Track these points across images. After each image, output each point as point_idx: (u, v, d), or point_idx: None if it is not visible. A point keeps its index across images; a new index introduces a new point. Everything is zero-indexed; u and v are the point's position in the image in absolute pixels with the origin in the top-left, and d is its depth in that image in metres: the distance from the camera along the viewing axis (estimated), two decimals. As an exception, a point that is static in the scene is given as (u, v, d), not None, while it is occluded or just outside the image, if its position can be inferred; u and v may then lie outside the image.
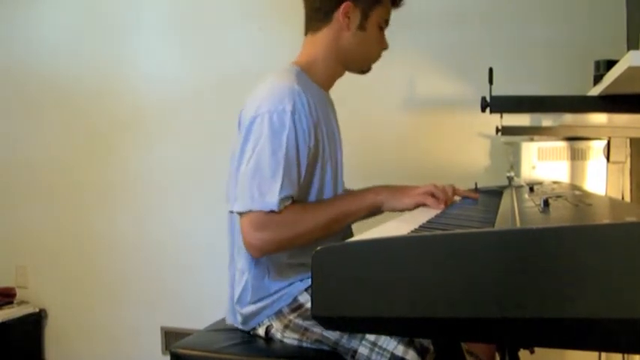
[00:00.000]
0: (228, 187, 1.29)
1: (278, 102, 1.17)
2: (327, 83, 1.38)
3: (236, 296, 1.30)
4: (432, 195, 1.27)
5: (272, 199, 1.13)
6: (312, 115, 1.22)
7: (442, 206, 1.24)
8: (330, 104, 1.40)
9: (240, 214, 1.17)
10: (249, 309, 1.28)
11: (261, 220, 1.14)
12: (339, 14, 1.30)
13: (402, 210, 1.30)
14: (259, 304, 1.27)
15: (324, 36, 1.33)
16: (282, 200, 1.14)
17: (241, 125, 1.24)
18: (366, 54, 1.36)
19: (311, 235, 1.20)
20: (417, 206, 1.28)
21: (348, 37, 1.32)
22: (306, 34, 1.37)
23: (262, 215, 1.13)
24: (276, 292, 1.26)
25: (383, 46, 1.37)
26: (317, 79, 1.33)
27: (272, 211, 1.13)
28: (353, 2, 1.29)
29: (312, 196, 1.28)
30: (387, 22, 1.36)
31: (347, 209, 1.27)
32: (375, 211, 1.33)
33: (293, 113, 1.17)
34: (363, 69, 1.40)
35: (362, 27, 1.31)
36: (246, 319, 1.30)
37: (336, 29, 1.31)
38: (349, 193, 1.39)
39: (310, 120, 1.21)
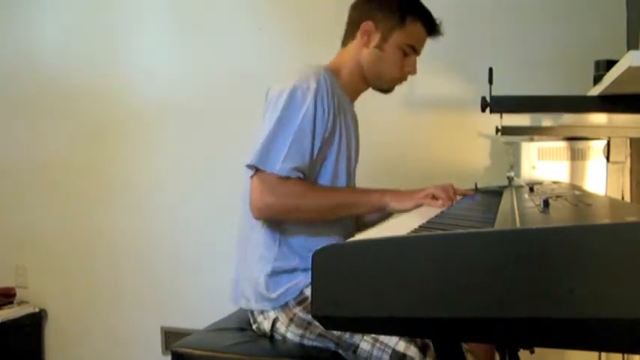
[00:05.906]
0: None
1: (304, 80, 1.27)
2: (350, 92, 1.45)
3: (254, 269, 1.30)
4: (433, 197, 1.31)
5: (275, 161, 1.21)
6: (333, 101, 1.31)
7: (443, 204, 1.26)
8: (351, 112, 1.46)
9: (252, 176, 1.24)
10: (262, 285, 1.28)
11: (269, 184, 1.21)
12: (360, 32, 1.40)
13: (404, 211, 1.32)
14: (271, 291, 1.27)
15: (349, 50, 1.44)
16: (290, 169, 1.20)
17: (267, 101, 1.33)
18: (382, 72, 1.43)
19: (313, 213, 1.27)
20: (417, 207, 1.31)
21: (366, 53, 1.41)
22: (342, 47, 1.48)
23: (271, 179, 1.21)
24: (290, 271, 1.27)
25: (407, 69, 1.43)
26: (340, 84, 1.41)
27: (281, 178, 1.20)
28: (374, 22, 1.39)
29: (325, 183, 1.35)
30: (413, 48, 1.41)
31: (354, 199, 1.34)
32: (381, 213, 1.38)
33: (316, 92, 1.26)
34: (383, 87, 1.47)
35: (380, 47, 1.40)
36: (258, 295, 1.29)
37: (358, 45, 1.42)
38: (358, 188, 1.47)
39: (331, 104, 1.29)
